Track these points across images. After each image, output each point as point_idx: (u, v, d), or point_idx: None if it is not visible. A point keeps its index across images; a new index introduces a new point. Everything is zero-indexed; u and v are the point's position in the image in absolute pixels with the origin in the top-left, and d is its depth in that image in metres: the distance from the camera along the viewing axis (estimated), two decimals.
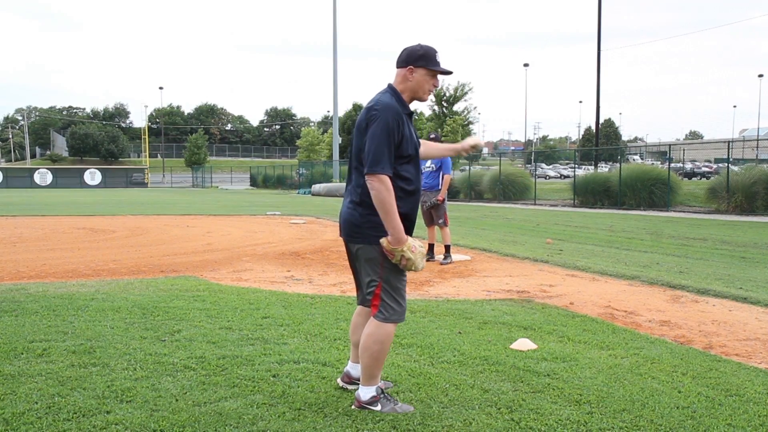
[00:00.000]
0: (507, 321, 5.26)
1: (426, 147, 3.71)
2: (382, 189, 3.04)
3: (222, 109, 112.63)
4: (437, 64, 3.20)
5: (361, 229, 3.23)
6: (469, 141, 3.58)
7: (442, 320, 5.27)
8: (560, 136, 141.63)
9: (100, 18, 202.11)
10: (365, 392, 3.28)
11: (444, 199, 8.99)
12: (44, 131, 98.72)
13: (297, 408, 3.26)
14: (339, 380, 3.64)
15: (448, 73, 3.25)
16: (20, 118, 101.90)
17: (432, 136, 9.08)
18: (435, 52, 3.21)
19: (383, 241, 3.12)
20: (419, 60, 3.18)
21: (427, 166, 9.10)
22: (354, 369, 3.56)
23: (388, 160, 3.06)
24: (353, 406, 3.29)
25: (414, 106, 3.74)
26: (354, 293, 6.17)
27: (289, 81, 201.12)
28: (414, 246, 3.13)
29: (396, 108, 3.13)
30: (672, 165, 27.56)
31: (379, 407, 3.23)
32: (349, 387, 3.56)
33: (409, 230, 3.29)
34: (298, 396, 3.43)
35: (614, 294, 6.65)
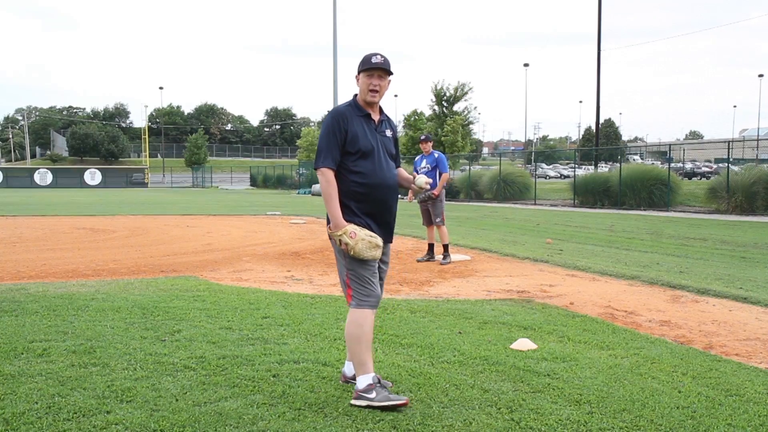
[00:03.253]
0: (507, 321, 5.26)
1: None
2: (323, 180, 3.41)
3: (222, 109, 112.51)
4: (368, 63, 3.43)
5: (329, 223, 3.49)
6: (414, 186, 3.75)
7: (442, 320, 5.27)
8: (560, 136, 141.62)
9: (100, 17, 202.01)
10: (361, 381, 3.36)
11: (439, 195, 8.96)
12: (44, 131, 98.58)
13: (297, 408, 3.26)
14: (341, 380, 3.71)
15: (376, 66, 3.41)
16: (20, 118, 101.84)
17: (422, 137, 9.17)
18: (371, 55, 3.46)
19: (328, 227, 3.44)
20: (359, 67, 3.49)
21: (423, 166, 9.13)
22: (348, 368, 3.65)
23: (328, 154, 3.40)
24: (353, 400, 3.33)
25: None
26: None
27: (289, 81, 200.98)
28: (354, 232, 3.33)
29: (341, 110, 3.47)
30: (672, 165, 27.57)
31: (373, 394, 3.30)
32: (352, 382, 3.61)
33: (384, 228, 3.49)
34: (298, 396, 3.43)
35: (614, 294, 6.65)
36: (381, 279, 3.63)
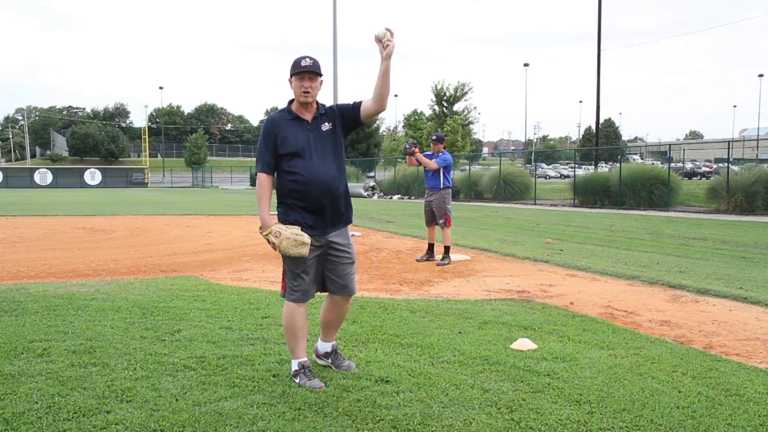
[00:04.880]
0: (507, 321, 5.26)
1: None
2: (257, 184, 3.73)
3: (222, 109, 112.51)
4: (298, 67, 3.64)
5: None
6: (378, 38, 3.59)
7: (442, 320, 5.27)
8: (560, 136, 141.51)
9: (100, 18, 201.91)
10: (292, 365, 3.76)
11: (445, 200, 8.93)
12: (44, 131, 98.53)
13: (297, 408, 3.27)
14: (313, 355, 4.04)
15: (305, 69, 3.60)
16: (20, 118, 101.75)
17: (434, 137, 9.10)
18: (301, 59, 3.67)
19: (259, 228, 3.73)
20: (290, 71, 3.69)
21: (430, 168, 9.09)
22: (321, 345, 4.01)
23: (262, 160, 3.70)
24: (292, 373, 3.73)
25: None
26: None
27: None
28: (279, 231, 3.58)
29: (272, 118, 3.75)
30: (672, 165, 27.56)
31: (298, 380, 3.65)
32: (319, 361, 4.00)
33: (326, 219, 3.68)
34: (298, 396, 3.43)
35: (614, 294, 6.64)
36: (342, 273, 3.83)
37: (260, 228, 3.70)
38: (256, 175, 3.76)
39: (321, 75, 3.70)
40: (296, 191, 3.65)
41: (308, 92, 3.66)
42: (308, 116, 3.74)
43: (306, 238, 3.59)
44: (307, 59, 3.65)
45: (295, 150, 3.65)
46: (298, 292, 3.72)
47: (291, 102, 3.79)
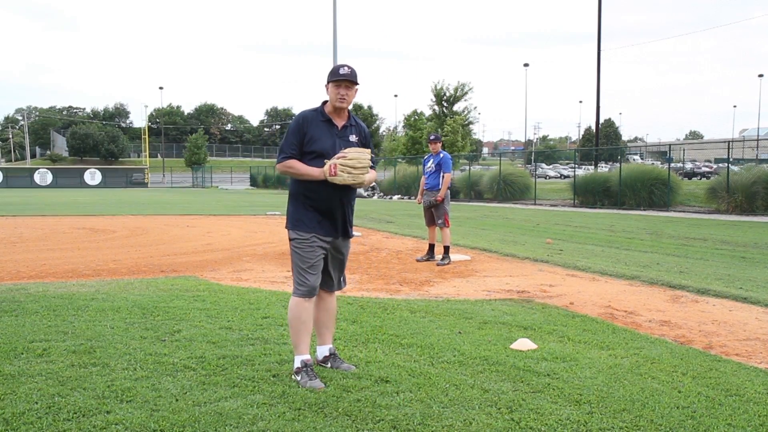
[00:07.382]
0: (507, 321, 5.26)
1: None
2: (284, 169, 3.81)
3: (222, 109, 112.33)
4: (336, 74, 3.76)
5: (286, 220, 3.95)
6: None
7: (442, 320, 5.27)
8: (560, 136, 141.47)
9: (100, 18, 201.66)
10: (295, 361, 3.78)
11: (444, 200, 8.96)
12: (44, 131, 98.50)
13: (297, 408, 3.26)
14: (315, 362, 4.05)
15: (343, 77, 3.74)
16: (20, 118, 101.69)
17: (432, 137, 9.12)
18: (339, 67, 3.81)
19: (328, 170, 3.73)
20: (328, 77, 3.82)
21: (429, 166, 9.11)
22: (318, 350, 4.06)
23: (285, 150, 3.79)
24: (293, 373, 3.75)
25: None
26: (351, 293, 6.20)
27: (289, 81, 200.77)
28: (334, 164, 3.65)
29: (305, 114, 3.85)
30: (672, 165, 27.56)
31: (299, 377, 3.66)
32: (323, 365, 4.01)
33: (334, 223, 3.80)
34: (298, 396, 3.43)
35: (614, 294, 6.65)
36: (329, 269, 3.96)
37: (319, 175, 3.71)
38: (277, 167, 3.85)
39: (357, 84, 3.82)
40: (311, 190, 3.76)
41: (344, 99, 3.78)
42: (339, 122, 3.86)
43: (366, 156, 3.69)
44: (346, 68, 3.79)
45: (320, 151, 3.76)
46: (304, 287, 3.80)
47: (324, 103, 3.88)
